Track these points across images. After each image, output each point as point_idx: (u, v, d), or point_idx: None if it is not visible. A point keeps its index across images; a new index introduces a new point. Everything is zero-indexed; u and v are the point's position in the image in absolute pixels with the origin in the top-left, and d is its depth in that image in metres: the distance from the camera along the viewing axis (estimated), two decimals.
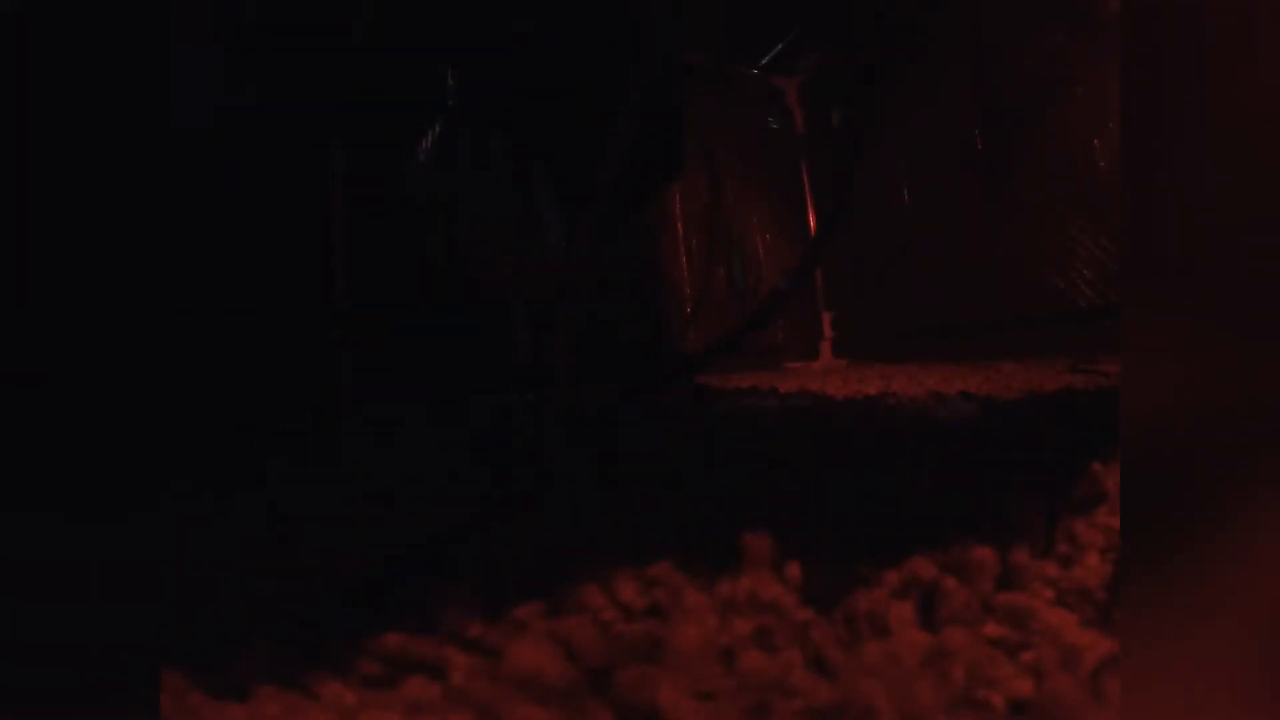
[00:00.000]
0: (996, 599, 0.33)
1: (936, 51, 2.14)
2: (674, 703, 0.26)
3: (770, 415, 1.05)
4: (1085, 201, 1.70)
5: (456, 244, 1.96)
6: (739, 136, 2.67)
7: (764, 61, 2.67)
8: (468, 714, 0.27)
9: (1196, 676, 0.23)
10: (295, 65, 1.38)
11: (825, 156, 2.67)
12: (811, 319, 2.69)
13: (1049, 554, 0.38)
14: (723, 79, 2.62)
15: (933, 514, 0.43)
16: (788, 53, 2.62)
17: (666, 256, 2.45)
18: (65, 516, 0.26)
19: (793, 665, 0.28)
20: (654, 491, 0.59)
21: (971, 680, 0.26)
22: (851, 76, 2.51)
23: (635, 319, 1.96)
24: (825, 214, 2.43)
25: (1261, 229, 0.25)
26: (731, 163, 2.60)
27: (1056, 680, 0.26)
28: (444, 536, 0.49)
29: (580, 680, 0.28)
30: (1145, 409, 0.26)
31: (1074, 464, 0.53)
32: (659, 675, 0.27)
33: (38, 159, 0.27)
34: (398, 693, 0.29)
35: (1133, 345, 0.27)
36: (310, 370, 1.56)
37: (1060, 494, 0.46)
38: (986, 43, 1.97)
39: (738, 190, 2.61)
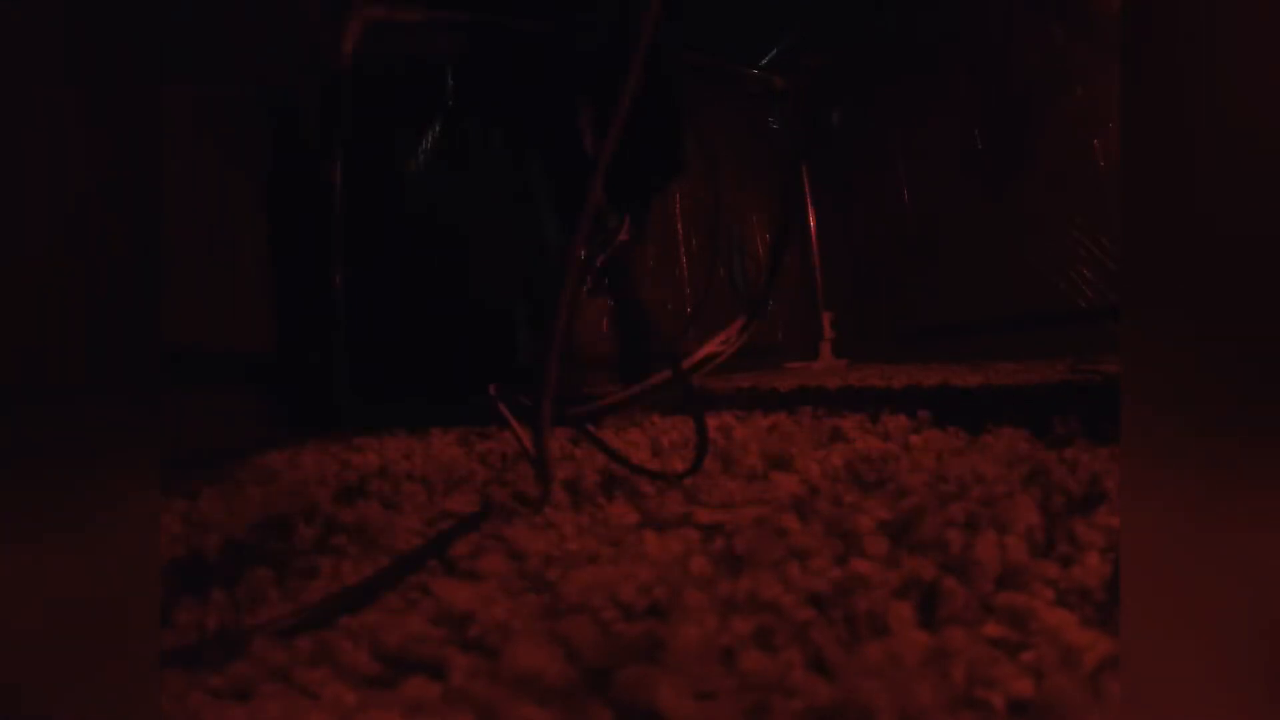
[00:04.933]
0: (996, 599, 0.33)
1: (936, 51, 2.14)
2: (674, 703, 0.26)
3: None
4: (1085, 201, 1.70)
5: (457, 244, 1.97)
6: (740, 136, 2.67)
7: (764, 61, 2.67)
8: (468, 714, 0.27)
9: (1196, 676, 0.23)
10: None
11: (826, 156, 2.67)
12: (811, 319, 2.68)
13: (1049, 554, 0.38)
14: (723, 79, 2.62)
15: (932, 513, 0.43)
16: (788, 53, 2.62)
17: (666, 256, 2.45)
18: None
19: (793, 665, 0.28)
20: (650, 491, 0.59)
21: (971, 680, 0.26)
22: (852, 77, 2.51)
23: (634, 320, 1.96)
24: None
25: (1261, 228, 0.25)
26: (732, 162, 2.60)
27: (1056, 680, 0.26)
28: (445, 535, 0.49)
29: (580, 680, 0.28)
30: (1145, 408, 0.26)
31: (1074, 464, 0.53)
32: (659, 675, 0.27)
33: None
34: (398, 693, 0.29)
35: (1133, 345, 0.27)
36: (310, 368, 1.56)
37: (1060, 494, 0.46)
38: (986, 43, 1.97)
39: (738, 190, 2.61)
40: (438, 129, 1.98)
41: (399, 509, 0.61)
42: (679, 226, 2.50)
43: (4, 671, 0.23)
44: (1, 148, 0.25)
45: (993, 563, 0.35)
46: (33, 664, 0.23)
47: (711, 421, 0.99)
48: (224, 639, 0.35)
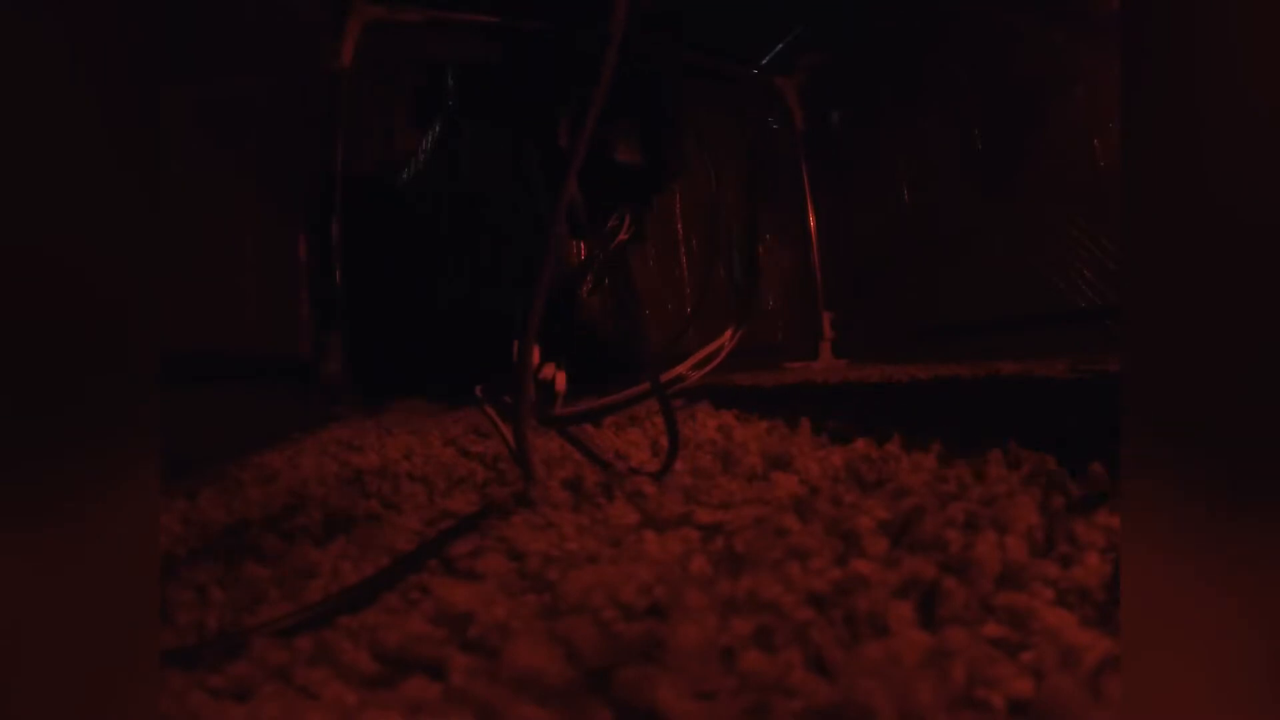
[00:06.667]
0: (996, 599, 0.33)
1: (936, 51, 2.14)
2: (674, 703, 0.26)
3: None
4: (1085, 201, 1.70)
5: (457, 243, 1.97)
6: (739, 136, 2.67)
7: (764, 61, 2.66)
8: (468, 714, 0.27)
9: (1197, 676, 0.23)
10: None
11: (826, 156, 2.67)
12: (811, 319, 2.68)
13: (1049, 554, 0.38)
14: (723, 79, 2.62)
15: (932, 513, 0.43)
16: (788, 53, 2.62)
17: (666, 256, 2.45)
18: None
19: (793, 665, 0.28)
20: (651, 491, 0.59)
21: (971, 680, 0.26)
22: (852, 77, 2.51)
23: (631, 320, 1.96)
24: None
25: (1263, 227, 0.25)
26: (731, 163, 2.60)
27: (1056, 680, 0.26)
28: (445, 535, 0.49)
29: (580, 680, 0.28)
30: (1145, 408, 0.26)
31: (1074, 464, 0.53)
32: (659, 675, 0.27)
33: None
34: (397, 693, 0.29)
35: (1133, 345, 0.27)
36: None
37: (1060, 494, 0.46)
38: (987, 43, 1.97)
39: (738, 190, 2.61)
40: (438, 126, 1.98)
41: (399, 509, 0.61)
42: (679, 226, 2.50)
43: (3, 671, 0.23)
44: (2, 147, 0.25)
45: (993, 563, 0.35)
46: (32, 664, 0.23)
47: (711, 421, 0.99)
48: (224, 639, 0.35)
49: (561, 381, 0.83)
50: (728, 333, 0.74)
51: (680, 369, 0.70)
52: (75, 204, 0.26)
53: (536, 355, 0.67)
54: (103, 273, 0.27)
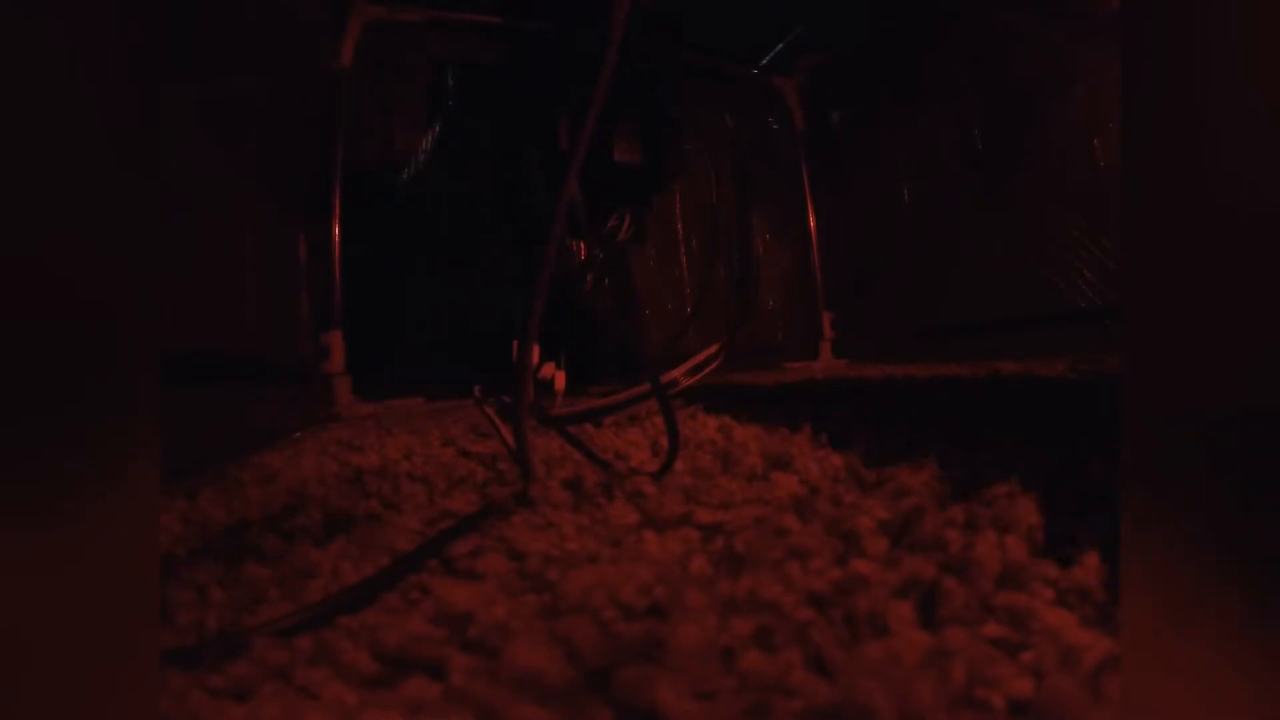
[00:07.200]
0: (996, 599, 0.33)
1: (936, 51, 2.14)
2: (674, 703, 0.26)
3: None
4: (1085, 201, 1.70)
5: (457, 243, 1.97)
6: (739, 136, 2.67)
7: (764, 61, 2.66)
8: (468, 714, 0.27)
9: (1197, 676, 0.23)
10: None
11: (826, 156, 2.67)
12: (811, 319, 2.68)
13: (1049, 554, 0.38)
14: (723, 79, 2.62)
15: (932, 513, 0.43)
16: (788, 53, 2.62)
17: (666, 256, 2.45)
18: None
19: (793, 665, 0.28)
20: (651, 491, 0.59)
21: (971, 680, 0.26)
22: (852, 77, 2.51)
23: (631, 320, 1.96)
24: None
25: (1263, 227, 0.25)
26: (732, 163, 2.60)
27: (1056, 680, 0.26)
28: (445, 535, 0.49)
29: (580, 680, 0.28)
30: (1145, 408, 0.26)
31: (1074, 464, 0.53)
32: (659, 675, 0.27)
33: None
34: (397, 693, 0.29)
35: (1133, 345, 0.27)
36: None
37: (1060, 494, 0.46)
38: (987, 43, 1.97)
39: (737, 190, 2.61)
40: (439, 126, 1.98)
41: (399, 509, 0.61)
42: (679, 226, 2.50)
43: (3, 671, 0.23)
44: (2, 147, 0.25)
45: (993, 563, 0.35)
46: (32, 664, 0.23)
47: (711, 421, 0.99)
48: (224, 639, 0.35)
49: (561, 381, 0.83)
50: (715, 347, 0.74)
51: (674, 374, 0.71)
52: (75, 204, 0.26)
53: (536, 355, 0.67)
54: (102, 273, 0.27)
